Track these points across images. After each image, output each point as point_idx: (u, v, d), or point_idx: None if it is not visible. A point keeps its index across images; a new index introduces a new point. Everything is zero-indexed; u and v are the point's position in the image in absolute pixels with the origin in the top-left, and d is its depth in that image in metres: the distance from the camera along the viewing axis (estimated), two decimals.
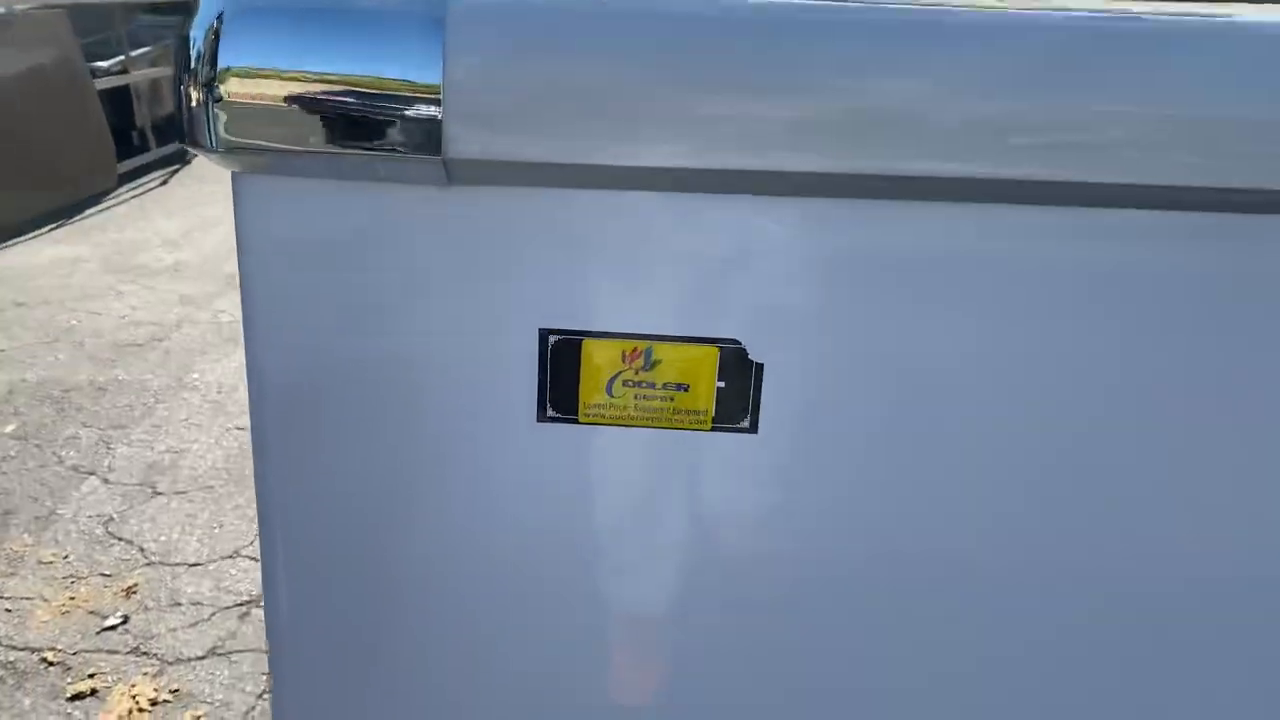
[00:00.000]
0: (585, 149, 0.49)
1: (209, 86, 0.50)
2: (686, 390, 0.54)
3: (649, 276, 0.53)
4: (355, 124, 0.50)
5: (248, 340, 0.58)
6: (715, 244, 0.52)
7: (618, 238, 0.52)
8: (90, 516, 2.12)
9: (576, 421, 0.55)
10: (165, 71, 5.71)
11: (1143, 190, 0.50)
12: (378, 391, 0.54)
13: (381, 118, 0.50)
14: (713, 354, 0.54)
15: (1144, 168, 0.49)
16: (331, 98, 0.50)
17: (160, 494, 2.21)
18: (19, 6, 4.61)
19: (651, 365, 0.54)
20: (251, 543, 2.04)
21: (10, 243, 3.89)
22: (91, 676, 1.66)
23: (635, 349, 0.54)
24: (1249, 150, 0.49)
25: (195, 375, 2.79)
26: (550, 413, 0.55)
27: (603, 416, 0.55)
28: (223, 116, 0.50)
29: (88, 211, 4.39)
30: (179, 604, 1.85)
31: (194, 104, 0.51)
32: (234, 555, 1.99)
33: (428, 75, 0.50)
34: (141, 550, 2.02)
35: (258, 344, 0.56)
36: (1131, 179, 0.49)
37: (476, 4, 0.50)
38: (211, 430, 2.48)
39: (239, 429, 2.49)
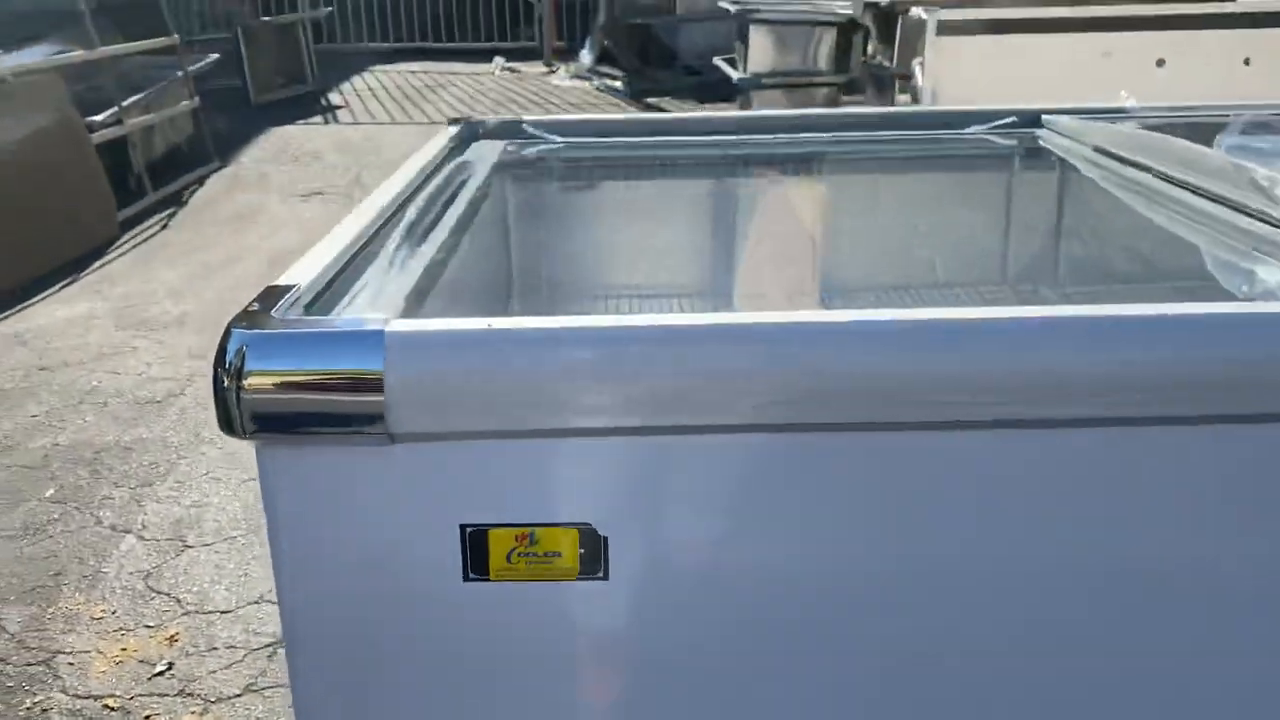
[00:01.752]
0: (493, 423, 0.78)
1: (238, 387, 0.79)
2: (560, 557, 0.84)
3: (536, 490, 0.82)
4: (324, 409, 0.79)
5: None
6: (584, 474, 0.81)
7: (517, 468, 0.81)
8: (131, 573, 2.43)
9: (488, 580, 0.84)
10: (157, 117, 5.96)
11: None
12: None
13: (340, 401, 0.79)
14: (574, 533, 0.83)
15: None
16: (304, 390, 0.79)
17: (190, 547, 2.52)
18: (8, 65, 4.86)
19: (536, 541, 0.83)
20: (273, 589, 2.34)
21: (25, 304, 4.18)
22: (148, 719, 1.97)
23: (525, 536, 0.83)
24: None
25: (210, 429, 3.09)
26: (470, 575, 0.84)
27: (506, 575, 0.84)
28: (245, 413, 0.79)
29: (94, 265, 4.67)
30: (215, 648, 2.16)
31: (230, 402, 0.79)
32: (259, 601, 2.30)
33: (373, 366, 0.78)
34: (178, 601, 2.32)
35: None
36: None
37: (406, 328, 0.79)
38: (229, 483, 2.79)
39: (251, 480, 2.79)
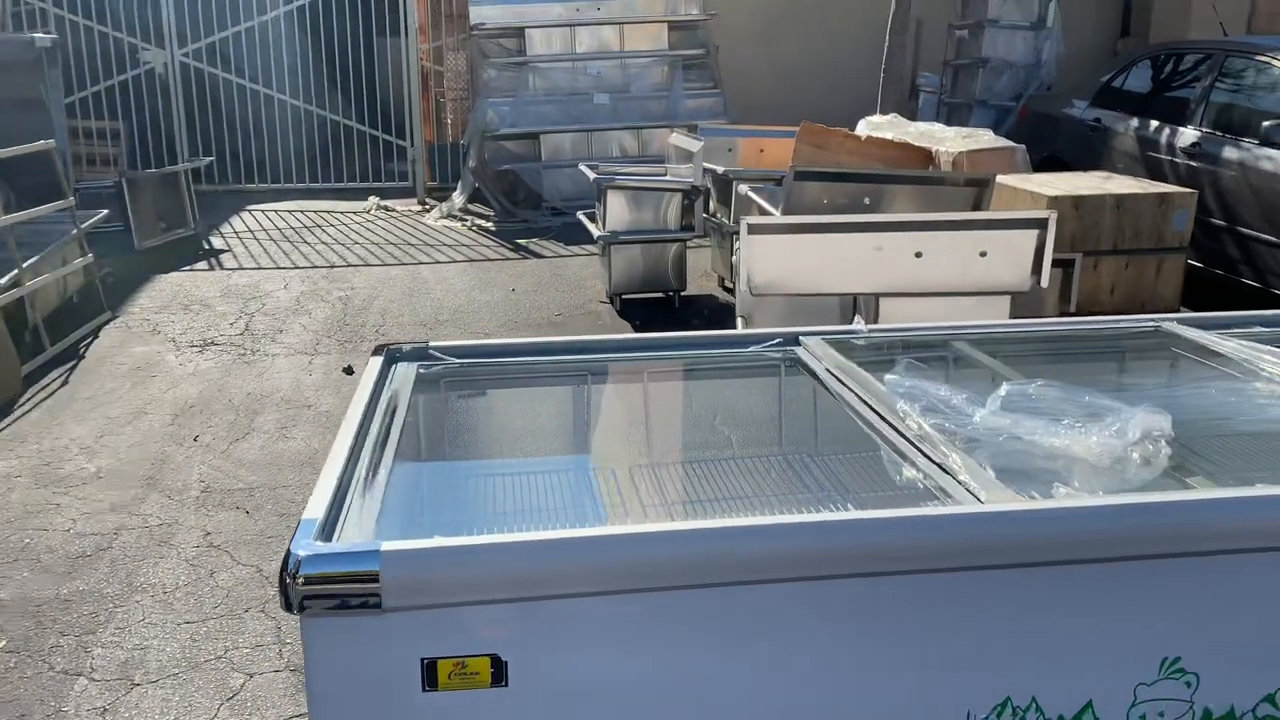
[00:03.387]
0: (436, 599, 1.39)
1: (294, 584, 1.38)
2: (478, 674, 1.44)
3: (462, 635, 1.42)
4: (344, 595, 1.38)
5: None
6: (488, 625, 1.43)
7: (451, 624, 1.42)
8: (89, 710, 2.86)
9: (438, 689, 1.43)
10: (53, 276, 6.35)
11: None
12: None
13: (353, 590, 1.39)
14: (486, 659, 1.43)
15: None
16: (332, 584, 1.39)
17: (138, 685, 2.97)
18: None
19: (465, 665, 1.43)
20: (214, 717, 2.82)
21: None
22: None
23: (458, 663, 1.43)
24: None
25: (141, 579, 3.53)
26: (426, 688, 1.43)
27: (447, 687, 1.43)
28: (299, 598, 1.38)
29: (3, 423, 5.00)
30: None
31: (290, 594, 1.38)
32: None
33: (371, 566, 1.39)
34: None
35: None
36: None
37: (391, 547, 1.40)
38: (165, 627, 3.24)
39: (187, 623, 3.26)
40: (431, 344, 2.42)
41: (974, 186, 5.50)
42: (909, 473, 1.79)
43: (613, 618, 1.47)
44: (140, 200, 8.91)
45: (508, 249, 9.01)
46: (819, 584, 1.50)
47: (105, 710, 2.85)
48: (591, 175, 7.01)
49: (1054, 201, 5.43)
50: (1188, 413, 2.04)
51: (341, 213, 10.71)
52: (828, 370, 2.28)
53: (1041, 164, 7.85)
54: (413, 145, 11.59)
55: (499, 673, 1.46)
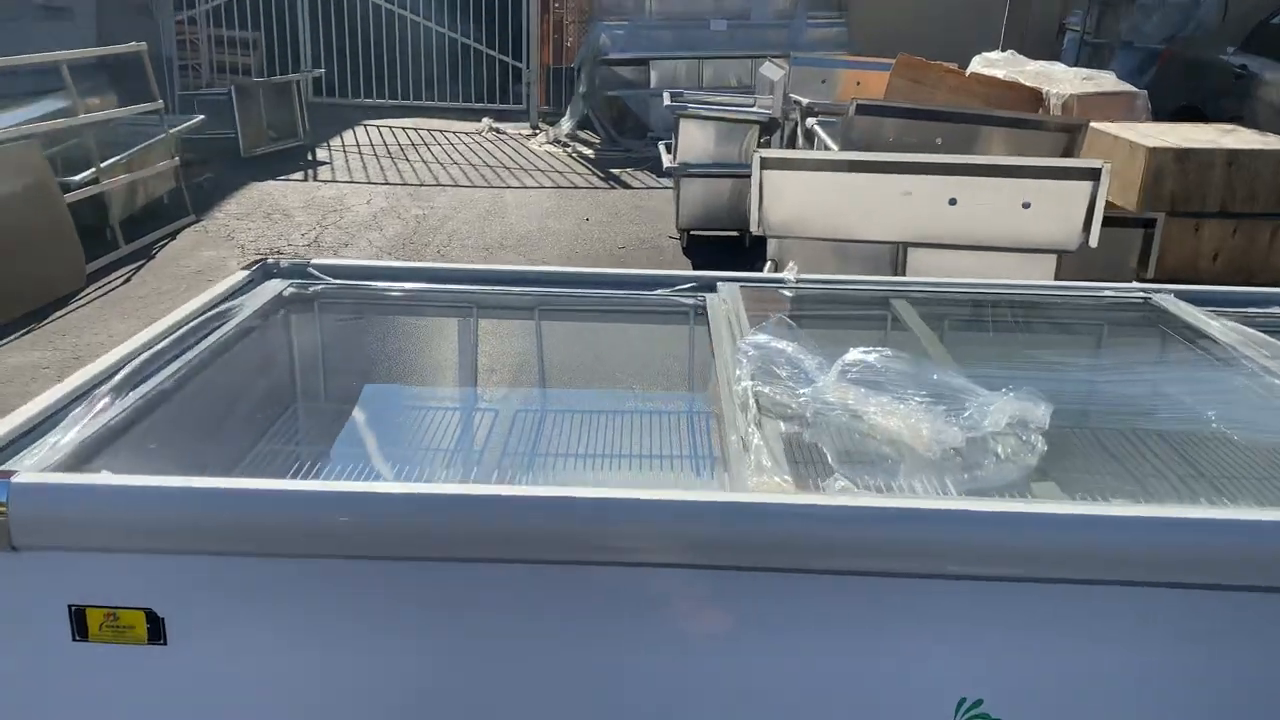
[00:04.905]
0: (76, 542, 1.23)
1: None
2: (133, 628, 1.28)
3: (112, 585, 1.27)
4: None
5: None
6: (142, 576, 1.27)
7: (99, 571, 1.26)
8: None
9: (89, 640, 1.29)
10: (135, 175, 6.52)
11: None
12: None
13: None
14: (141, 613, 1.28)
15: None
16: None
17: None
18: None
19: (118, 618, 1.28)
20: None
21: None
22: None
23: (110, 614, 1.28)
24: None
25: None
26: (76, 637, 1.29)
27: (100, 639, 1.29)
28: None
29: (55, 315, 5.18)
30: None
31: None
32: None
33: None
34: None
35: None
36: None
37: (26, 480, 1.24)
38: None
39: None
40: (312, 261, 2.25)
41: (1065, 132, 4.94)
42: (722, 442, 1.52)
43: (279, 583, 1.27)
44: (249, 109, 9.09)
45: (598, 178, 8.80)
46: (490, 566, 1.26)
47: None
48: (666, 101, 6.69)
49: (1153, 154, 4.80)
50: (1107, 403, 1.67)
51: (454, 132, 10.71)
52: (723, 321, 2.00)
53: (1177, 114, 7.04)
54: (528, 68, 11.44)
55: (156, 629, 1.29)
